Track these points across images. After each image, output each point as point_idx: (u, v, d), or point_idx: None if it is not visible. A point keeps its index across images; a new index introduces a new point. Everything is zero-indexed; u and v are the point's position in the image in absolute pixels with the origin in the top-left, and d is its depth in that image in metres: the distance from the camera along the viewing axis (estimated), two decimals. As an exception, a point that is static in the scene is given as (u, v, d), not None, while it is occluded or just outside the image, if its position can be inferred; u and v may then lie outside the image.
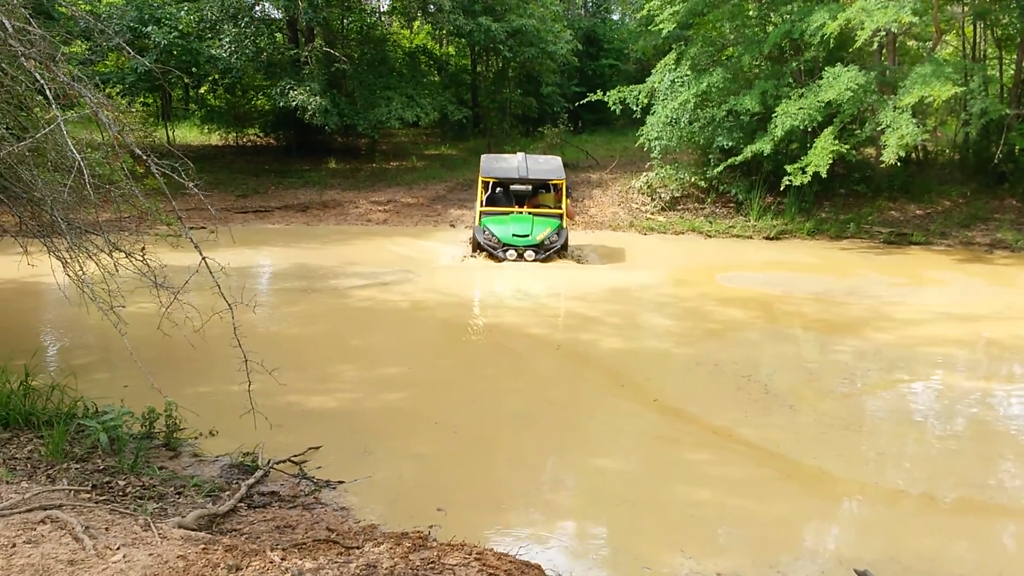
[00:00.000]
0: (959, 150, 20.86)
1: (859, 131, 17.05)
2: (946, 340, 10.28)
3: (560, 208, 15.17)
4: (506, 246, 14.06)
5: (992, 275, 14.54)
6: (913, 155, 20.17)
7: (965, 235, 17.63)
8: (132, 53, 7.21)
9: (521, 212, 14.84)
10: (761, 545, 5.17)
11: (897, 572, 4.83)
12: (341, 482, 5.76)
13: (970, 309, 11.92)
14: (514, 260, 13.90)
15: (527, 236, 14.10)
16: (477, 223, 14.64)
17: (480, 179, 15.51)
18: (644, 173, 20.53)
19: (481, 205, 15.11)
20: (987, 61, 20.24)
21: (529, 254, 14.01)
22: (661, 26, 18.60)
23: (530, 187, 15.59)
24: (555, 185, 15.60)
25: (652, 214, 19.58)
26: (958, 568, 4.94)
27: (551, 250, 14.20)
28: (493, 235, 14.16)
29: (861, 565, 4.82)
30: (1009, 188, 18.80)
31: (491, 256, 14.20)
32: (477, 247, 14.52)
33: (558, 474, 6.39)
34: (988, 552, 5.23)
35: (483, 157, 16.26)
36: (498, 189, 15.53)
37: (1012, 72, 19.35)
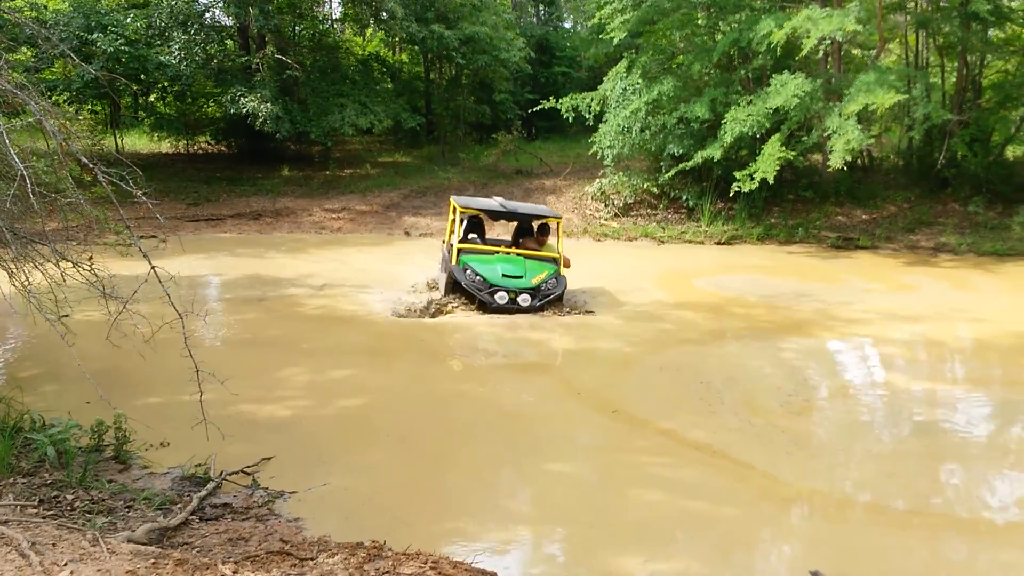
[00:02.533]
0: (903, 156, 21.31)
1: (806, 138, 17.34)
2: (894, 341, 10.52)
3: (555, 252, 12.37)
4: (495, 288, 11.33)
5: (937, 278, 14.87)
6: (859, 161, 20.56)
7: (910, 239, 18.02)
8: (77, 60, 7.10)
9: (508, 252, 12.18)
10: (714, 548, 5.24)
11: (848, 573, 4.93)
12: (294, 493, 5.73)
13: (918, 311, 12.18)
14: (504, 304, 11.23)
15: (520, 278, 11.54)
16: (453, 261, 11.83)
17: (455, 211, 12.66)
18: (597, 180, 20.67)
19: (458, 240, 12.28)
20: (929, 69, 20.70)
21: (524, 298, 11.31)
22: (612, 34, 18.78)
23: (516, 222, 13.31)
24: (544, 226, 12.81)
25: (606, 220, 19.72)
26: (907, 570, 5.06)
27: (549, 297, 11.51)
28: (478, 275, 11.45)
29: (813, 566, 4.91)
30: (952, 193, 19.24)
31: (472, 300, 11.52)
32: (453, 289, 11.82)
33: (512, 481, 6.41)
34: (934, 554, 5.36)
35: (454, 197, 13.40)
36: (471, 235, 12.73)
37: (954, 79, 19.83)
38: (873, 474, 6.52)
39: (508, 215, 12.86)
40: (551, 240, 12.81)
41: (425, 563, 4.01)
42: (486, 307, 11.26)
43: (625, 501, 5.92)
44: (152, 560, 3.59)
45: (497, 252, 12.13)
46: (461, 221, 12.67)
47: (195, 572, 3.47)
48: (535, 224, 12.94)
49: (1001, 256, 16.67)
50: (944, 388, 9.03)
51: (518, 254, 12.11)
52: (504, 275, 11.51)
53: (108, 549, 3.66)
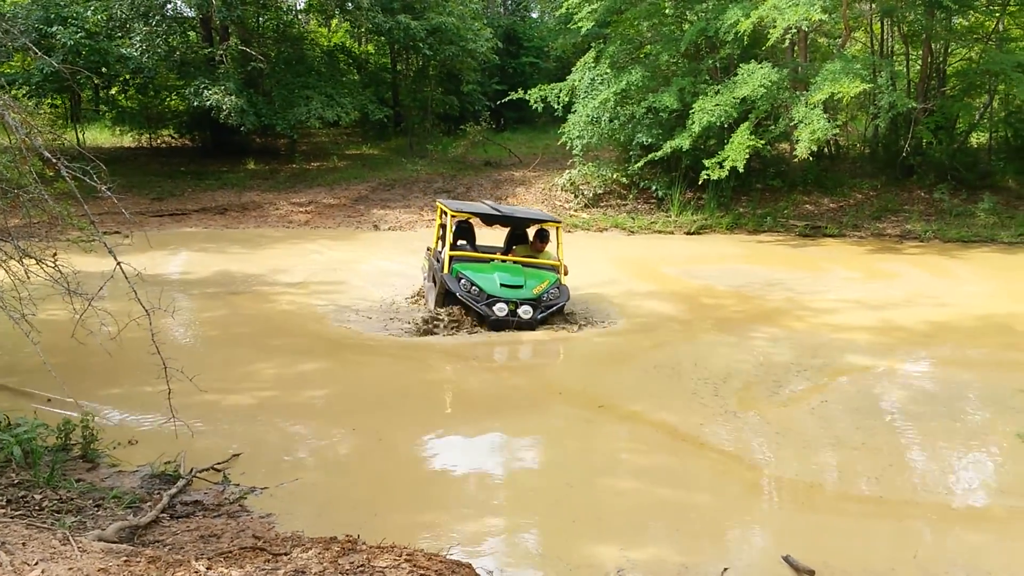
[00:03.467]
0: (869, 144, 21.54)
1: (773, 127, 17.46)
2: (863, 328, 10.61)
3: (556, 259, 11.31)
4: (493, 299, 10.19)
5: (904, 265, 15.05)
6: (826, 150, 20.77)
7: (876, 227, 18.22)
8: (39, 53, 6.96)
9: (504, 261, 11.13)
10: (688, 535, 5.26)
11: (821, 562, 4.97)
12: (265, 488, 5.66)
13: (886, 298, 12.31)
14: (504, 317, 10.08)
15: (520, 287, 10.39)
16: (445, 270, 10.68)
17: (443, 215, 11.72)
18: (567, 170, 20.67)
19: (448, 248, 11.07)
20: (894, 57, 20.92)
21: (525, 310, 10.17)
22: (580, 24, 18.78)
23: (510, 227, 12.10)
24: (542, 232, 11.65)
25: (575, 211, 19.73)
26: (876, 556, 5.11)
27: (552, 309, 10.39)
28: (474, 285, 10.29)
29: (785, 551, 4.94)
30: (917, 180, 19.48)
31: (469, 312, 10.35)
32: (445, 300, 10.61)
33: (487, 473, 6.39)
34: (903, 538, 5.41)
35: (441, 200, 12.65)
36: (459, 241, 11.51)
37: (918, 67, 20.05)
38: (841, 460, 6.57)
39: (503, 219, 11.67)
40: (549, 247, 11.67)
41: (400, 556, 3.98)
42: (483, 321, 10.19)
43: (598, 489, 5.94)
44: (124, 558, 3.53)
45: (493, 260, 11.03)
46: (449, 227, 11.49)
47: (168, 569, 3.42)
48: (531, 230, 11.87)
49: (966, 243, 16.91)
50: (913, 372, 9.14)
51: (515, 262, 11.07)
52: (503, 285, 10.34)
53: (79, 548, 3.59)
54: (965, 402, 8.18)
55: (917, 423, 7.44)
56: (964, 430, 7.32)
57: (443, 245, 11.53)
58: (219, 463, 5.97)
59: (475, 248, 11.73)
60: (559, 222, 11.67)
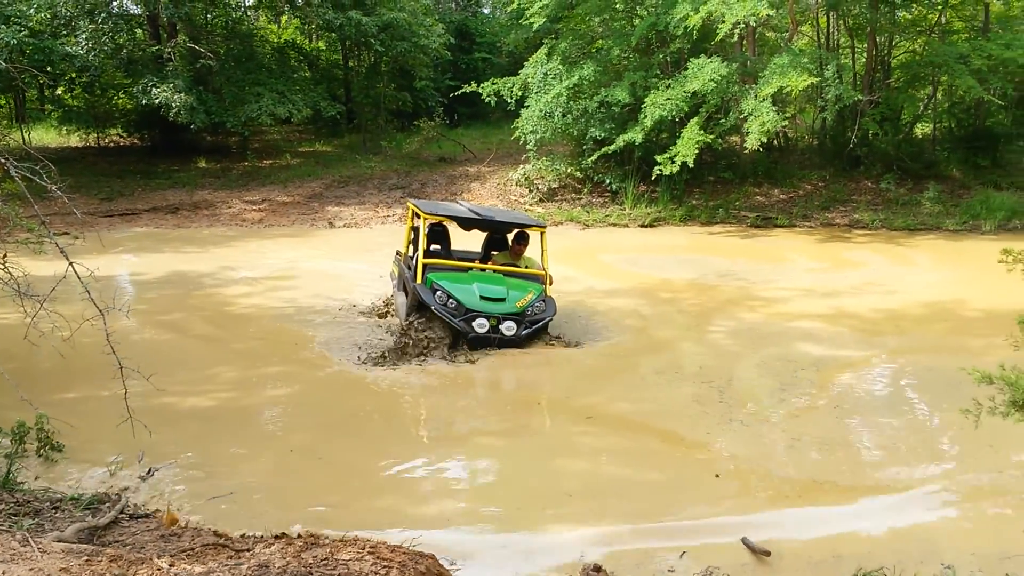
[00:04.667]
0: (817, 136, 21.90)
1: (724, 120, 17.69)
2: (812, 315, 10.85)
3: (540, 268, 10.19)
4: (472, 314, 9.13)
5: (851, 253, 15.36)
6: (775, 142, 21.07)
7: (825, 217, 18.55)
8: (-18, 52, 6.84)
9: (484, 270, 10.01)
10: (645, 513, 5.39)
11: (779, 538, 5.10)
12: (231, 493, 5.65)
13: (835, 286, 12.56)
14: (484, 334, 9.07)
15: (502, 300, 9.33)
16: (417, 279, 9.54)
17: (415, 217, 10.69)
18: (521, 165, 20.74)
19: (421, 254, 9.95)
20: (840, 50, 21.29)
21: (508, 326, 9.14)
22: (531, 20, 18.86)
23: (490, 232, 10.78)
24: (521, 235, 10.49)
25: (530, 206, 19.79)
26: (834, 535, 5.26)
27: (538, 325, 9.34)
28: (451, 298, 9.20)
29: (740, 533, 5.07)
30: (864, 171, 19.86)
31: (447, 327, 9.20)
32: (418, 312, 9.42)
33: (449, 467, 6.44)
34: (856, 519, 5.57)
35: (412, 201, 11.41)
36: (433, 246, 10.46)
37: (864, 60, 20.42)
38: (799, 444, 6.73)
39: (482, 223, 10.42)
40: (530, 253, 10.64)
41: (363, 548, 4.01)
42: (461, 338, 9.16)
43: (555, 471, 6.07)
44: (85, 557, 3.52)
45: (471, 269, 9.93)
46: (415, 229, 10.59)
47: (130, 567, 3.42)
48: (510, 234, 10.67)
49: (912, 231, 17.29)
50: (863, 358, 9.34)
51: (495, 271, 9.96)
52: (483, 297, 9.27)
53: (39, 548, 3.57)
54: (912, 384, 8.42)
55: (872, 409, 7.64)
56: (912, 413, 7.54)
57: (415, 250, 10.59)
58: (174, 461, 5.94)
59: (450, 254, 10.62)
60: (543, 226, 10.45)
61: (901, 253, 15.39)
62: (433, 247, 10.48)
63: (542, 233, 10.30)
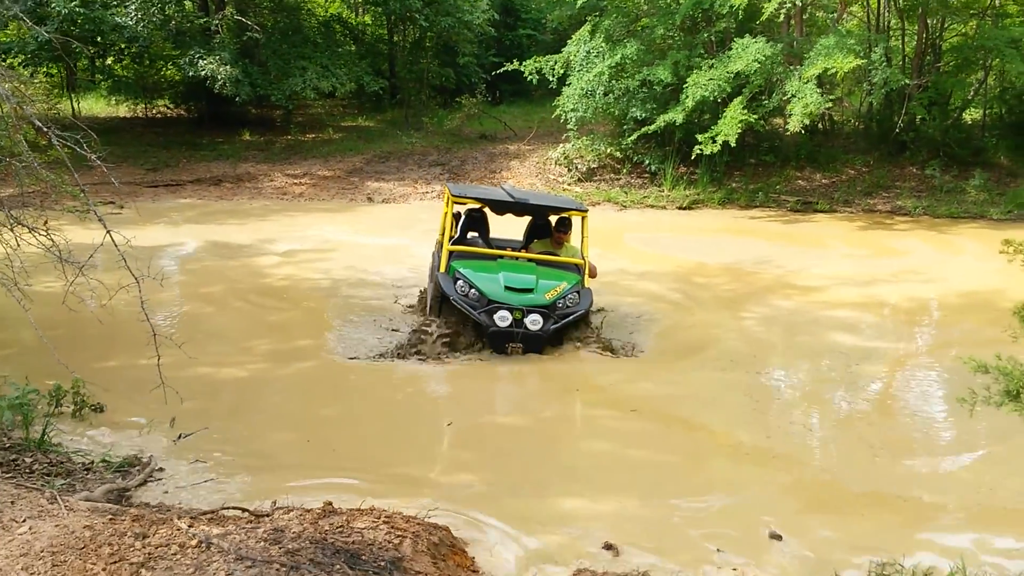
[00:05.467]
0: (863, 120, 21.54)
1: (767, 101, 17.48)
2: (849, 304, 10.73)
3: (576, 256, 9.39)
4: (494, 305, 8.27)
5: (893, 240, 15.15)
6: (820, 125, 20.76)
7: (867, 203, 18.27)
8: (30, 24, 7.02)
9: (517, 258, 9.19)
10: (657, 492, 5.46)
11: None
12: (252, 455, 5.82)
13: (873, 274, 12.40)
14: (506, 327, 8.19)
15: (530, 291, 8.43)
16: (441, 268, 8.82)
17: (449, 203, 9.71)
18: (561, 144, 20.69)
19: (450, 241, 9.33)
20: (891, 32, 20.88)
21: (534, 320, 8.22)
22: (575, -3, 18.77)
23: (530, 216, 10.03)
24: (564, 221, 9.70)
25: (569, 185, 19.78)
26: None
27: (569, 318, 8.43)
28: (472, 287, 8.40)
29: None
30: (910, 156, 19.50)
31: (465, 322, 8.55)
32: (440, 306, 8.79)
33: (466, 442, 6.55)
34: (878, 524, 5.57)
35: (449, 185, 10.76)
36: (470, 233, 9.82)
37: (914, 43, 20.01)
38: (822, 436, 6.74)
39: (518, 207, 9.68)
40: (573, 241, 9.76)
41: (379, 518, 4.13)
42: (484, 334, 8.36)
43: (571, 451, 6.15)
44: (109, 516, 3.67)
45: (502, 257, 9.10)
46: (457, 216, 9.91)
47: (151, 526, 3.56)
48: (552, 220, 9.87)
49: (956, 219, 16.97)
50: (897, 350, 9.29)
51: (529, 259, 9.10)
52: (508, 287, 8.41)
53: (66, 506, 3.73)
54: (944, 380, 8.36)
55: (898, 405, 7.60)
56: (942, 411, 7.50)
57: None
58: (206, 428, 6.10)
59: (489, 243, 9.83)
60: (585, 210, 9.53)
61: (943, 241, 15.14)
62: (471, 235, 9.79)
63: (583, 218, 9.43)
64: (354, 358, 8.32)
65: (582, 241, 9.38)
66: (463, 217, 9.91)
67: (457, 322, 8.54)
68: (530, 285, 8.47)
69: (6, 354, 7.71)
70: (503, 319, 8.20)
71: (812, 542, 4.92)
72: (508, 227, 10.66)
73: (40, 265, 6.43)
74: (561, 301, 8.46)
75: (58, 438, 5.68)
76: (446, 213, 9.67)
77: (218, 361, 7.82)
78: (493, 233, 10.14)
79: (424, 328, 8.55)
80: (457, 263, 8.74)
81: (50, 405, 6.06)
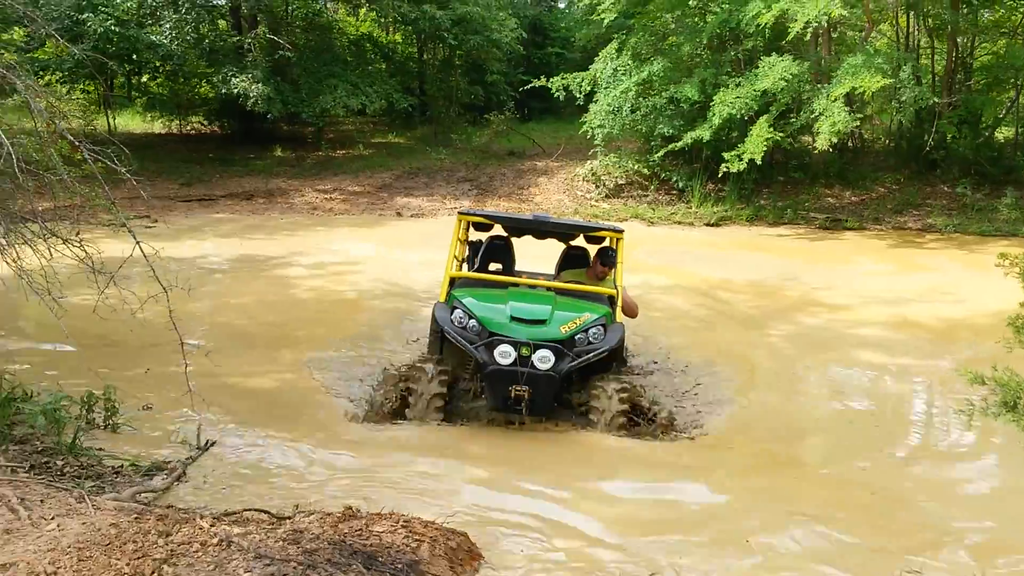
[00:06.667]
0: (893, 138, 21.44)
1: (795, 119, 17.47)
2: (874, 323, 10.72)
3: (611, 286, 7.79)
4: (495, 339, 6.79)
5: (923, 259, 15.06)
6: (849, 143, 20.71)
7: (898, 220, 18.17)
8: (63, 42, 7.25)
9: (534, 286, 7.65)
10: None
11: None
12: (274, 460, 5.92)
13: (901, 293, 12.33)
14: (509, 366, 6.63)
15: (542, 323, 6.90)
16: (441, 297, 7.55)
17: (459, 226, 8.25)
18: (588, 161, 20.79)
19: (449, 265, 7.98)
20: (920, 51, 20.80)
21: (543, 357, 6.66)
22: (603, 15, 18.90)
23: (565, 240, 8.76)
24: (606, 251, 8.14)
25: (596, 201, 19.86)
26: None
27: (588, 356, 6.84)
28: (472, 316, 6.93)
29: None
30: (940, 175, 19.39)
31: (465, 361, 7.37)
32: (440, 342, 7.41)
33: (488, 450, 6.61)
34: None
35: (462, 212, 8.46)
36: (492, 265, 8.55)
37: (944, 61, 19.93)
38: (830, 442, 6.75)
39: (535, 225, 8.33)
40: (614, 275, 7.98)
41: (397, 522, 4.20)
42: (488, 381, 6.84)
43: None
44: (135, 515, 3.79)
45: (516, 284, 7.67)
46: (477, 245, 8.68)
47: (175, 525, 3.67)
48: (591, 248, 8.48)
49: (986, 237, 16.82)
50: (919, 367, 9.25)
51: (548, 288, 7.57)
52: (514, 318, 6.92)
53: (94, 506, 3.85)
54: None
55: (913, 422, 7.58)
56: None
57: (468, 267, 8.60)
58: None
59: (513, 275, 8.41)
60: (620, 231, 8.17)
61: (973, 260, 15.01)
62: (492, 267, 8.50)
63: (618, 239, 8.05)
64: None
65: (616, 267, 7.88)
66: (483, 246, 8.60)
67: (458, 364, 7.25)
68: (542, 316, 6.93)
69: (40, 361, 7.89)
70: (505, 355, 6.68)
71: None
72: (544, 261, 9.31)
73: (74, 277, 6.59)
74: (581, 335, 6.87)
75: (89, 443, 5.81)
76: (455, 237, 8.14)
77: (248, 371, 7.97)
78: (527, 267, 8.95)
79: (411, 383, 7.06)
80: (459, 291, 7.35)
81: (82, 411, 6.20)
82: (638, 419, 7.02)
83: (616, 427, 6.71)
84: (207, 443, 6.03)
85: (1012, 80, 19.21)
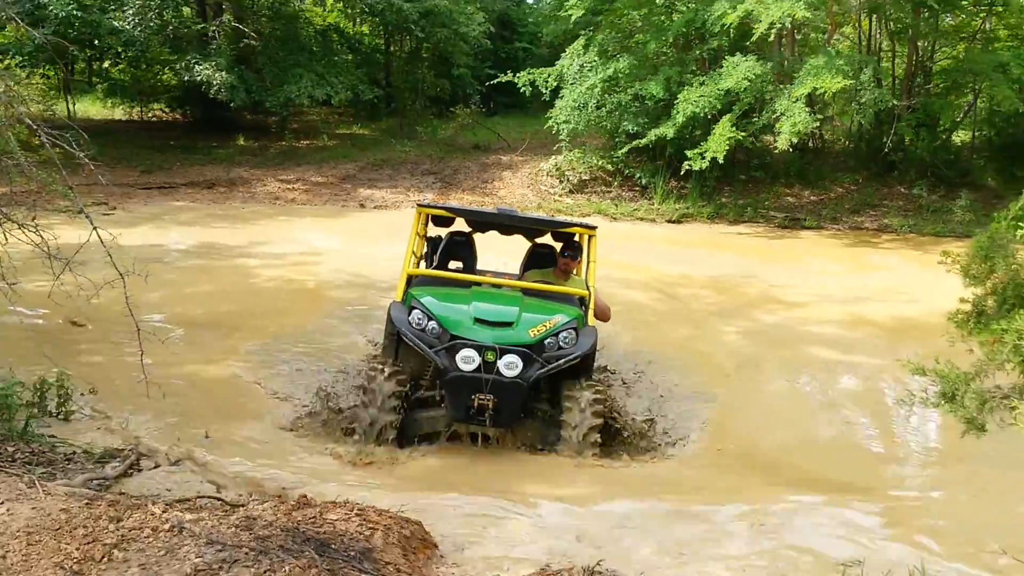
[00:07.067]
0: (853, 139, 21.77)
1: (757, 119, 17.68)
2: (829, 322, 10.90)
3: (581, 287, 7.38)
4: (457, 342, 6.25)
5: (877, 258, 15.34)
6: (810, 143, 21.02)
7: (855, 220, 18.50)
8: (22, 25, 7.14)
9: (499, 286, 7.14)
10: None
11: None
12: (235, 451, 5.91)
13: (855, 292, 12.55)
14: (472, 373, 6.08)
15: (507, 325, 6.38)
16: (397, 296, 6.92)
17: (418, 221, 7.65)
18: (553, 156, 20.86)
19: (406, 263, 7.40)
20: (882, 54, 21.12)
21: (509, 363, 6.12)
22: (570, 12, 18.98)
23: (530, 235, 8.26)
24: (572, 246, 7.68)
25: (560, 196, 19.94)
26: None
27: (560, 362, 6.34)
28: (432, 318, 6.38)
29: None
30: (897, 176, 19.75)
31: (424, 366, 6.66)
32: (396, 347, 6.88)
33: (445, 444, 6.64)
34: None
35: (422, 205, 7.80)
36: (452, 263, 8.03)
37: (905, 64, 20.26)
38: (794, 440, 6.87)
39: (503, 220, 7.64)
40: (580, 272, 7.75)
41: (351, 510, 4.22)
42: (449, 389, 6.25)
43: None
44: (86, 501, 3.77)
45: (479, 284, 7.12)
46: (436, 241, 8.11)
47: (126, 511, 3.66)
48: (559, 246, 7.93)
49: (940, 238, 17.16)
50: (871, 365, 9.43)
51: (515, 287, 7.06)
52: (478, 320, 6.39)
53: (44, 491, 3.83)
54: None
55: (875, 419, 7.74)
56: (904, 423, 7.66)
57: (427, 264, 7.97)
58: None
59: (475, 274, 7.77)
60: (593, 228, 7.55)
61: (928, 260, 15.28)
62: (452, 264, 7.95)
63: (590, 237, 7.51)
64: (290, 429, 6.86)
65: (588, 266, 7.42)
66: (443, 242, 8.04)
67: (414, 371, 6.62)
68: (509, 318, 6.40)
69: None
70: (468, 360, 6.12)
71: None
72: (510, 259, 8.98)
73: (29, 262, 6.50)
74: (551, 340, 6.37)
75: (41, 430, 5.76)
76: (414, 232, 7.55)
77: (205, 359, 7.93)
78: (490, 265, 8.50)
79: (358, 405, 6.46)
80: (418, 290, 6.80)
81: (34, 397, 6.14)
82: (614, 430, 6.57)
83: (589, 444, 6.14)
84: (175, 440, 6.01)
85: (970, 84, 19.58)
